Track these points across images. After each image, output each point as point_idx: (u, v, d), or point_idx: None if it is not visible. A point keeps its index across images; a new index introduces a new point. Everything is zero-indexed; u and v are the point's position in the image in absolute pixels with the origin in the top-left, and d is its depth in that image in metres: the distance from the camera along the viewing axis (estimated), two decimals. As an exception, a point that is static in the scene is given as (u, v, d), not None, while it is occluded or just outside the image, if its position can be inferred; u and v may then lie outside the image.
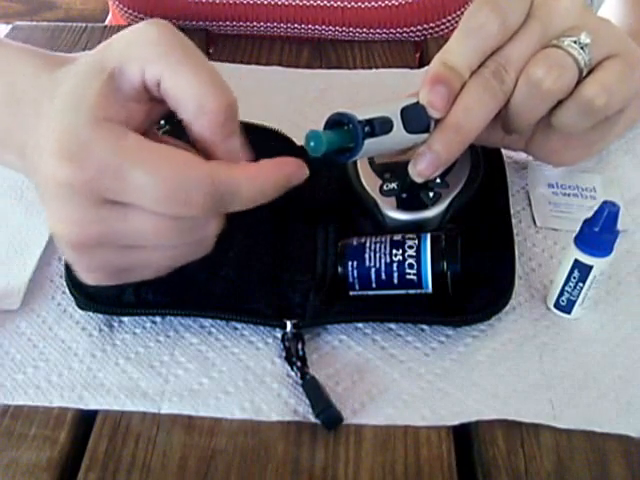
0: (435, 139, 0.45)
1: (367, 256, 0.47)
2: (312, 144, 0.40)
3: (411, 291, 0.47)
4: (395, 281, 0.47)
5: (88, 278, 0.41)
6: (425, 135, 0.46)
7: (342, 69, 0.71)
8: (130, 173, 0.35)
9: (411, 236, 0.47)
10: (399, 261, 0.46)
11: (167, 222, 0.37)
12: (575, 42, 0.45)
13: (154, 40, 0.38)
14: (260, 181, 0.38)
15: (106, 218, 0.37)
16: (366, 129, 0.42)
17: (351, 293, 0.48)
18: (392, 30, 0.76)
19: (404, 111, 0.44)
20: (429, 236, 0.47)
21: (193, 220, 0.38)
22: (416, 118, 0.45)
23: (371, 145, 0.43)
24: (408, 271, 0.46)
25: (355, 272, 0.47)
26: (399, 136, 0.44)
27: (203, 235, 0.39)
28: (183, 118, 0.38)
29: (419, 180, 0.46)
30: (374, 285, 0.47)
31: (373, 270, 0.47)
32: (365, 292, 0.48)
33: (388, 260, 0.47)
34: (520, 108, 0.46)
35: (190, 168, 0.36)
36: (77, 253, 0.39)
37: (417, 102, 0.45)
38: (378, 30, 0.75)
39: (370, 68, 0.72)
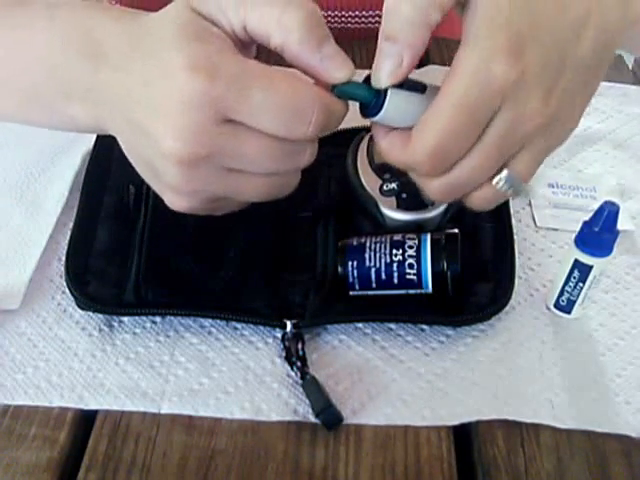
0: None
1: (367, 256, 0.47)
2: (337, 87, 0.41)
3: (411, 291, 0.47)
4: (395, 281, 0.47)
5: (183, 201, 0.42)
6: None
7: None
8: (253, 91, 0.38)
9: (411, 236, 0.47)
10: (399, 261, 0.46)
11: (274, 144, 0.40)
12: (510, 187, 0.41)
13: None
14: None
15: (221, 135, 0.39)
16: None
17: (351, 293, 0.48)
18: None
19: None
20: (429, 236, 0.47)
21: (295, 146, 0.41)
22: None
23: (399, 102, 0.41)
24: (408, 271, 0.46)
25: (355, 272, 0.47)
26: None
27: (297, 164, 0.42)
28: (276, 47, 0.40)
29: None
30: (374, 285, 0.47)
31: (373, 270, 0.47)
32: (365, 292, 0.48)
33: (388, 260, 0.47)
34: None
35: (305, 87, 0.39)
36: (181, 170, 0.40)
37: None
38: (370, 12, 0.75)
39: (371, 68, 0.71)
